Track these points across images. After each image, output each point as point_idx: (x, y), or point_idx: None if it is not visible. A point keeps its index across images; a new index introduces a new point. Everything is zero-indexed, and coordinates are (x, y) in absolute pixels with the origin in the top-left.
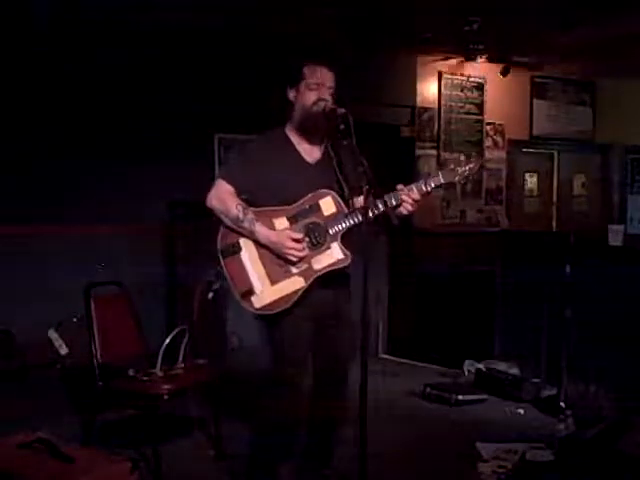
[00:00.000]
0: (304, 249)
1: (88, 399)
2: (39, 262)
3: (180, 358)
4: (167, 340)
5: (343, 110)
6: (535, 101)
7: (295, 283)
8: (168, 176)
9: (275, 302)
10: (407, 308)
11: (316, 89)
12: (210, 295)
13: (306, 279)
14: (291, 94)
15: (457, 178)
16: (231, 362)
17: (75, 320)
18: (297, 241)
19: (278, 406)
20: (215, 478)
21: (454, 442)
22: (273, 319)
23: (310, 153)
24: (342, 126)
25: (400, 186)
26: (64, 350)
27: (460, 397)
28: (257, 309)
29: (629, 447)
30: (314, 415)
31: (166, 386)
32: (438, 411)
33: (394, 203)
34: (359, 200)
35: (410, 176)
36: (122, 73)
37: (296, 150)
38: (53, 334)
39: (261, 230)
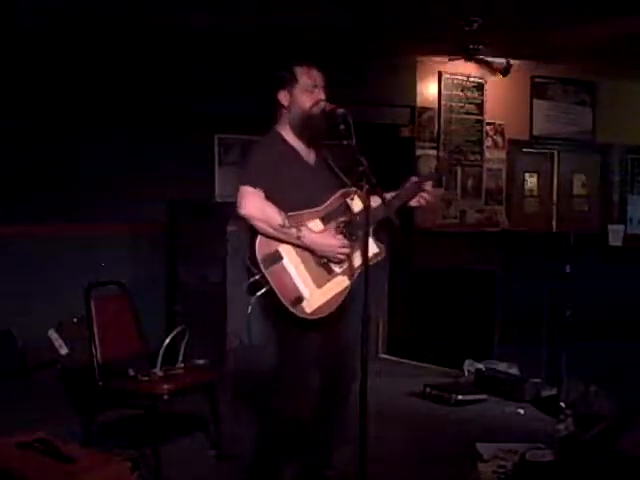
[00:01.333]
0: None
1: (88, 399)
2: (39, 262)
3: (180, 358)
4: (167, 340)
5: (343, 110)
6: (535, 101)
7: (340, 283)
8: (168, 176)
9: (326, 304)
10: (407, 308)
11: (312, 91)
12: (249, 310)
13: (350, 277)
14: (284, 97)
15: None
16: (231, 362)
17: (75, 320)
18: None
19: (283, 406)
20: (215, 478)
21: (454, 442)
22: (280, 319)
23: (307, 155)
24: (342, 126)
25: (414, 178)
26: (64, 350)
27: (460, 397)
28: (309, 314)
29: (629, 447)
30: (317, 415)
31: (166, 386)
32: (438, 411)
33: (398, 203)
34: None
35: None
36: (122, 73)
37: (297, 152)
38: (53, 334)
39: (307, 234)
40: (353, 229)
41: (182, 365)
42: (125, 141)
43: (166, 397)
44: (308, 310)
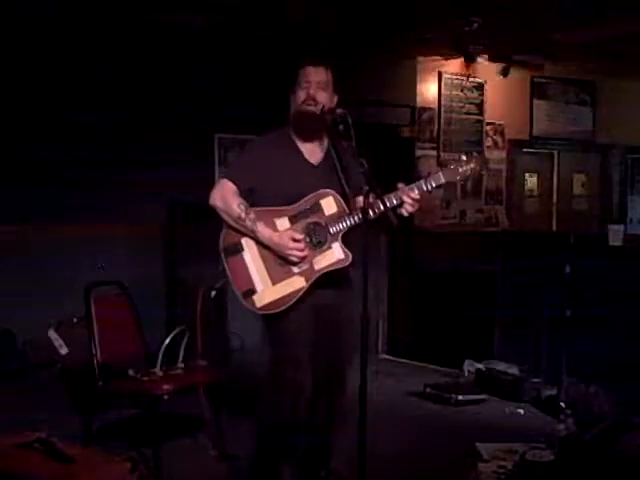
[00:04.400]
0: (305, 249)
1: (88, 399)
2: (39, 262)
3: (180, 358)
4: (167, 340)
5: (342, 110)
6: (535, 101)
7: (296, 283)
8: (168, 176)
9: (276, 301)
10: (407, 308)
11: (305, 87)
12: (212, 293)
13: (307, 279)
14: (291, 97)
15: (458, 177)
16: (232, 362)
17: (75, 320)
18: (298, 241)
19: (278, 406)
20: (216, 478)
21: (454, 442)
22: (274, 318)
23: (312, 154)
24: (341, 126)
25: (401, 185)
26: (64, 350)
27: (460, 397)
28: (258, 308)
29: (629, 447)
30: (312, 416)
31: (166, 386)
32: (438, 411)
33: (395, 203)
34: (359, 200)
35: (410, 176)
36: (122, 73)
37: (299, 151)
38: (53, 334)
39: (262, 230)
40: (320, 232)
41: (182, 365)
42: (125, 141)
43: (166, 397)
44: (258, 304)
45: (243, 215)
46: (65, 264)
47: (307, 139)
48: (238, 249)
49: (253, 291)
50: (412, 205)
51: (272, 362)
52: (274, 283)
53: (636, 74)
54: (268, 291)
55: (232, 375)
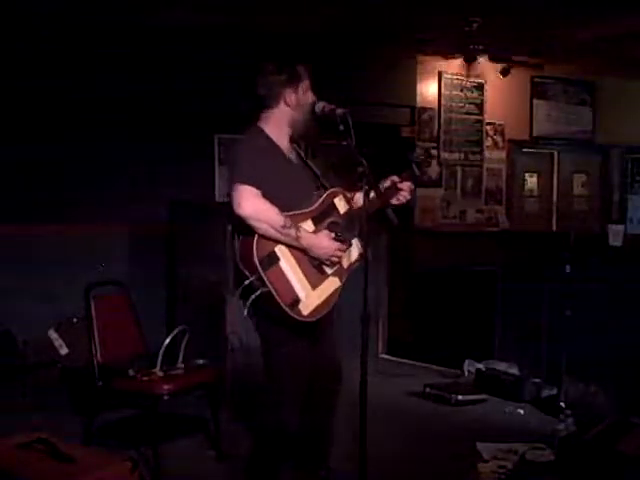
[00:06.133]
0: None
1: (88, 399)
2: (39, 262)
3: (180, 358)
4: (167, 340)
5: (342, 110)
6: (535, 101)
7: (332, 283)
8: (168, 176)
9: (320, 306)
10: (407, 308)
11: (310, 89)
12: (245, 312)
13: (340, 278)
14: (288, 95)
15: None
16: (231, 362)
17: (75, 320)
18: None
19: (279, 414)
20: (215, 478)
21: (454, 442)
22: (276, 346)
23: (289, 153)
24: (341, 126)
25: (395, 178)
26: (64, 350)
27: (460, 397)
28: (306, 316)
29: (629, 448)
30: (309, 415)
31: (166, 386)
32: (438, 411)
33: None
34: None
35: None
36: (122, 73)
37: (282, 150)
38: (53, 334)
39: (305, 235)
40: (341, 230)
41: (182, 365)
42: (125, 141)
43: (166, 397)
44: (305, 312)
45: (288, 223)
46: (65, 264)
47: (297, 139)
48: (274, 259)
49: (298, 300)
50: (410, 193)
51: (276, 367)
52: (314, 288)
53: (636, 74)
54: (311, 297)
55: (231, 375)
